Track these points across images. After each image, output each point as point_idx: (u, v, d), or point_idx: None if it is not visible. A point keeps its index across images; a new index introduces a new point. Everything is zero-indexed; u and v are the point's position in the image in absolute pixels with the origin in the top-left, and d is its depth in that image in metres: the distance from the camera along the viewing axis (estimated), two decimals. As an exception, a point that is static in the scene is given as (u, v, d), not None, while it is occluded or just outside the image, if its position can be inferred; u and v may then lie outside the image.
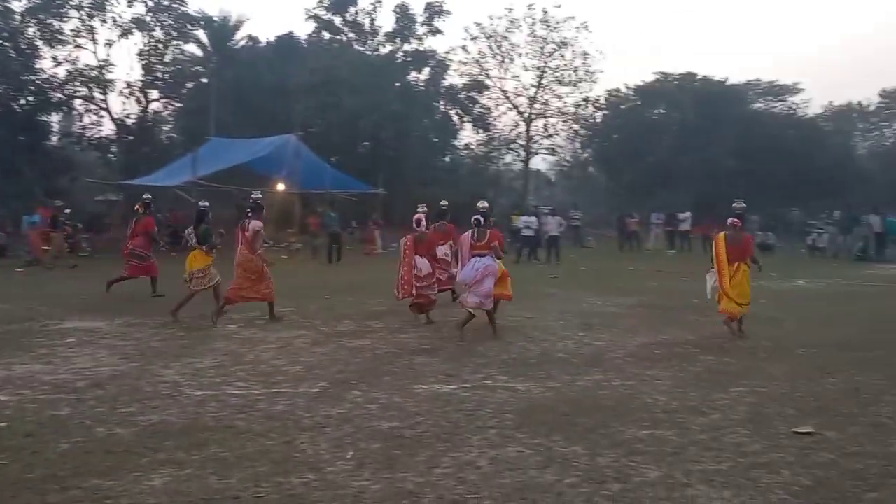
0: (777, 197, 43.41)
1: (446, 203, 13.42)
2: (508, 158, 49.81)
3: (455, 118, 44.72)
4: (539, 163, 52.44)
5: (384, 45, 43.15)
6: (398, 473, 4.60)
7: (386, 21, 44.95)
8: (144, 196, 14.39)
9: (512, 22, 44.72)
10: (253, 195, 11.52)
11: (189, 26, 38.44)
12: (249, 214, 10.80)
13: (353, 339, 9.32)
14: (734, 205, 10.45)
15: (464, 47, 45.01)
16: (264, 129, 31.27)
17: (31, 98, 35.54)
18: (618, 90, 47.68)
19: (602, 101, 47.06)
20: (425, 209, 12.05)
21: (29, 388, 6.75)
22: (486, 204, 10.27)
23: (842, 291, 14.98)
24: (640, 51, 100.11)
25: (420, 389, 6.71)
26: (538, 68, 45.11)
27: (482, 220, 9.61)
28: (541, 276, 18.28)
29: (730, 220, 9.94)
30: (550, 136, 47.12)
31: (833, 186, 43.09)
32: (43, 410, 6.02)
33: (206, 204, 11.71)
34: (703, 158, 41.50)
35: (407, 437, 5.31)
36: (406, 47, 42.79)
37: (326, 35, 42.96)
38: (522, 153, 47.53)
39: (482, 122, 45.17)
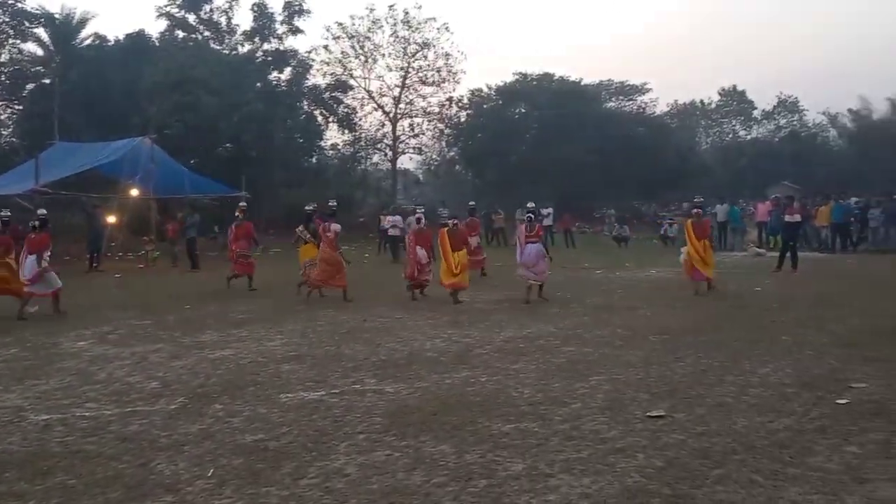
0: (630, 191, 45.92)
1: (446, 210, 18.11)
2: (376, 158, 49.83)
3: (320, 118, 44.12)
4: (407, 162, 52.81)
5: (242, 45, 41.91)
6: (262, 488, 4.47)
7: (243, 20, 43.70)
8: (241, 203, 17.36)
9: (374, 22, 44.80)
10: (331, 202, 14.43)
11: (27, 23, 35.79)
12: (326, 218, 13.88)
13: (216, 349, 8.99)
14: (695, 199, 14.80)
15: (326, 47, 44.63)
16: (115, 133, 29.61)
17: None
18: (480, 90, 48.78)
19: (465, 100, 48.00)
20: (423, 209, 15.51)
21: None
22: (533, 204, 14.46)
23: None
24: (500, 51, 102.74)
25: (286, 398, 6.55)
26: (402, 68, 45.45)
27: (532, 216, 13.43)
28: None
29: (694, 210, 14.15)
30: (416, 135, 47.59)
31: (680, 179, 46.11)
32: None
33: (312, 207, 15.64)
34: (562, 155, 43.14)
35: (271, 450, 5.17)
36: (266, 46, 41.75)
37: (181, 33, 41.18)
38: (389, 153, 47.65)
39: (348, 123, 44.85)
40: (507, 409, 6.02)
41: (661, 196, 47.43)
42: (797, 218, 17.90)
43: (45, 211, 13.12)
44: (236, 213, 16.58)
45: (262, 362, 8.17)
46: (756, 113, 64.41)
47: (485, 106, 48.23)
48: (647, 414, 5.73)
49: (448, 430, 5.49)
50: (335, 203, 14.53)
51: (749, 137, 63.69)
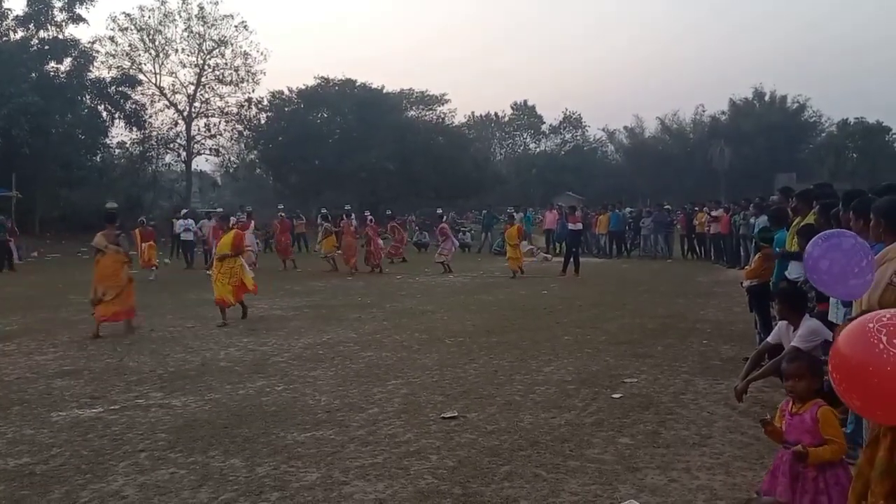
0: (430, 198, 47.14)
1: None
2: (168, 158, 47.04)
3: (105, 114, 40.90)
4: (203, 163, 50.40)
5: (15, 31, 37.85)
6: (26, 518, 4.04)
7: (16, 3, 39.45)
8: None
9: (166, 15, 42.40)
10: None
11: None
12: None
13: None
14: (509, 209, 19.87)
15: (112, 38, 41.54)
16: None
17: None
18: (281, 92, 47.74)
19: (266, 102, 46.76)
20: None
21: None
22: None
23: (484, 283, 16.72)
24: (302, 54, 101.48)
25: (58, 417, 5.99)
26: (197, 65, 43.36)
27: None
28: (205, 281, 17.55)
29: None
30: (213, 136, 45.57)
31: (475, 188, 48.13)
32: None
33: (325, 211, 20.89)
34: (364, 162, 43.35)
35: (38, 474, 4.69)
36: (42, 34, 38.00)
37: (-60, 15, 36.45)
38: (184, 153, 45.24)
39: (136, 120, 41.94)
40: (304, 417, 5.92)
41: (459, 203, 49.17)
42: (579, 226, 19.34)
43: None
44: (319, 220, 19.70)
45: (31, 378, 7.43)
46: (544, 127, 68.94)
47: (286, 109, 47.28)
48: (442, 415, 5.89)
49: (239, 442, 5.30)
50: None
51: (538, 150, 67.98)
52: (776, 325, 5.53)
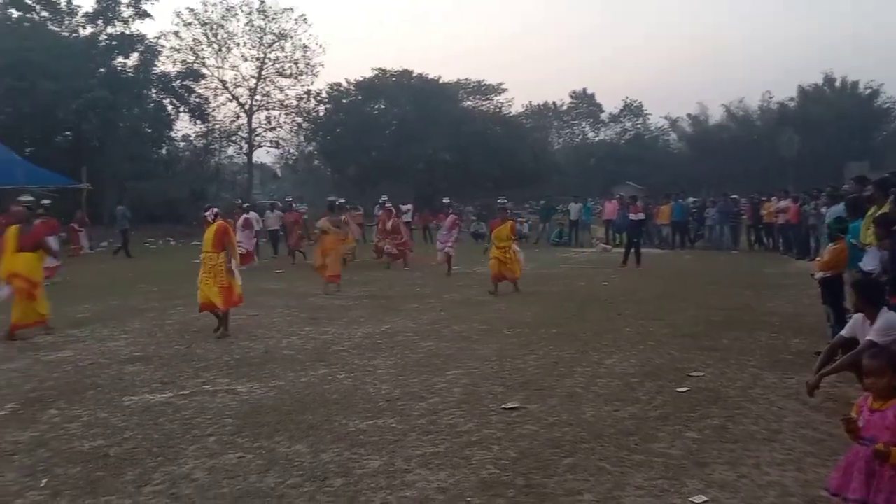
0: (486, 188, 46.98)
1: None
2: (231, 151, 48.07)
3: (170, 108, 41.98)
4: (263, 156, 51.34)
5: (84, 27, 39.09)
6: (101, 497, 4.18)
7: (85, 0, 40.72)
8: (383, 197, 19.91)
9: (228, 10, 43.18)
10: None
11: None
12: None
13: (52, 351, 8.36)
14: (499, 199, 16.40)
15: (176, 33, 42.52)
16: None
17: None
18: (339, 84, 48.17)
19: (324, 94, 47.28)
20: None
21: None
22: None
23: (542, 274, 16.56)
24: (360, 46, 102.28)
25: (130, 402, 6.18)
26: (258, 59, 44.07)
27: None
28: (266, 271, 17.87)
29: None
30: (274, 128, 46.31)
31: (532, 178, 47.73)
32: None
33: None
34: (421, 152, 43.47)
35: (112, 456, 4.85)
36: (110, 30, 39.14)
37: (14, 12, 37.83)
38: (245, 146, 46.13)
39: (200, 113, 42.93)
40: (365, 405, 5.97)
41: (516, 194, 48.93)
42: (641, 216, 18.99)
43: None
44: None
45: (104, 364, 7.68)
46: (604, 115, 67.83)
47: (344, 101, 47.71)
48: (502, 406, 5.87)
49: (304, 429, 5.38)
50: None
51: (597, 139, 67.00)
52: (850, 318, 5.34)
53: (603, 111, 67.82)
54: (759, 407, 5.82)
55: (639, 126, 65.78)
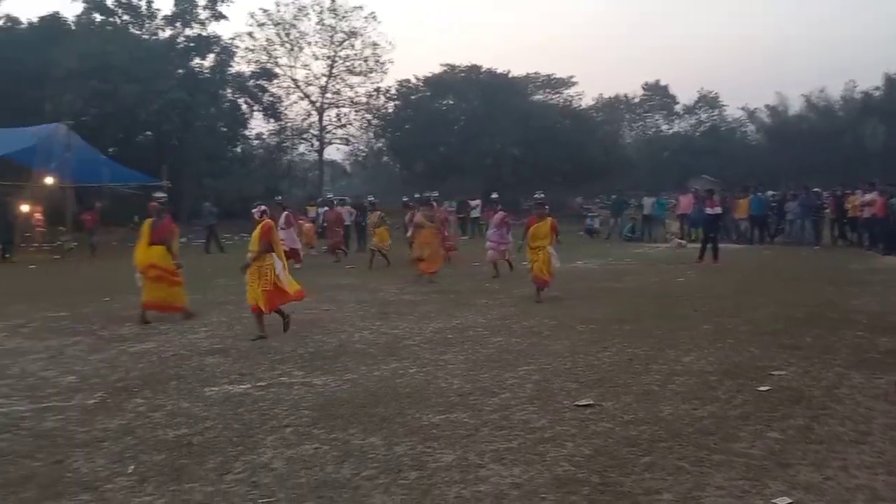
0: (556, 183, 46.55)
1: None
2: (302, 148, 49.08)
3: (244, 107, 43.13)
4: (334, 153, 52.19)
5: (163, 29, 40.53)
6: (185, 485, 4.31)
7: (164, 3, 42.19)
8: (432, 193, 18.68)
9: (300, 9, 44.09)
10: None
11: (-73, 0, 33.71)
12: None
13: (136, 342, 8.67)
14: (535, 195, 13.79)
15: (250, 34, 43.65)
16: (27, 119, 28.20)
17: None
18: (408, 81, 48.58)
19: (393, 91, 47.74)
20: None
21: None
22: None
23: (614, 269, 16.33)
24: (428, 42, 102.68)
25: (210, 392, 6.37)
26: (328, 57, 44.86)
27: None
28: (337, 266, 18.17)
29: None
30: (344, 125, 47.12)
31: (603, 172, 47.04)
32: None
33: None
34: (489, 147, 43.42)
35: (195, 445, 5.00)
36: (188, 32, 40.48)
37: (98, 16, 39.49)
38: (316, 143, 47.00)
39: (273, 111, 44.01)
40: (437, 399, 5.99)
41: (586, 188, 48.34)
42: (718, 210, 18.48)
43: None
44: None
45: (186, 355, 7.92)
46: (678, 107, 66.26)
47: (412, 97, 48.09)
48: (576, 403, 5.80)
49: (377, 422, 5.43)
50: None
51: (671, 132, 65.51)
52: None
53: (677, 103, 66.23)
54: (845, 407, 5.59)
55: (714, 118, 63.97)
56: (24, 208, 24.13)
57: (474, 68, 48.70)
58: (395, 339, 8.62)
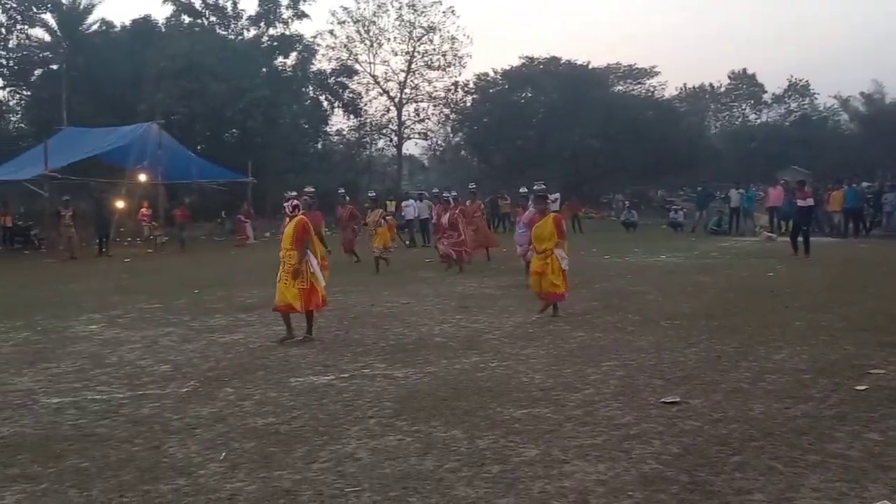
0: (638, 175, 45.64)
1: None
2: (381, 144, 49.69)
3: (325, 104, 43.97)
4: (412, 147, 52.63)
5: (248, 30, 41.77)
6: (274, 472, 4.43)
7: (249, 4, 43.43)
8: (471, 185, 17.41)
9: (379, 6, 44.54)
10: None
11: (34, 9, 35.73)
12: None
13: (225, 333, 8.97)
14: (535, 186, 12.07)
15: (331, 32, 44.42)
16: (122, 118, 29.60)
17: None
18: (486, 74, 48.48)
19: (471, 85, 47.74)
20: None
21: None
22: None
23: (699, 264, 15.87)
24: (506, 35, 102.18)
25: (296, 382, 6.52)
26: (407, 53, 45.22)
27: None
28: (416, 260, 18.32)
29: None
30: (422, 120, 47.46)
31: (686, 164, 45.77)
32: None
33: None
34: (568, 140, 42.91)
35: (283, 433, 5.13)
36: (271, 31, 41.60)
37: (186, 18, 41.00)
38: (395, 138, 47.49)
39: (353, 108, 44.73)
40: (519, 394, 5.96)
41: (669, 181, 47.18)
42: (810, 202, 17.71)
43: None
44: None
45: (271, 346, 8.14)
46: (766, 96, 63.81)
47: (491, 90, 47.95)
48: (662, 400, 5.66)
49: (459, 415, 5.44)
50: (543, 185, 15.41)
51: (759, 121, 63.16)
52: None
53: (765, 92, 63.75)
54: (953, 410, 5.27)
55: (805, 106, 61.33)
56: (120, 205, 25.30)
57: (553, 60, 48.19)
58: (475, 333, 8.62)
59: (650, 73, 51.80)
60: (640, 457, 4.51)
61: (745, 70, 64.66)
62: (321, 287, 8.45)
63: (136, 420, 5.55)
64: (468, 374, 6.71)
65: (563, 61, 48.08)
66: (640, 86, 51.84)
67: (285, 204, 8.85)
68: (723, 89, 66.12)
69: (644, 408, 5.50)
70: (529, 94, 48.62)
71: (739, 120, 65.12)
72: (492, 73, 48.54)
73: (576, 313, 9.75)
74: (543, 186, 10.88)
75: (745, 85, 64.64)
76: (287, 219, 8.73)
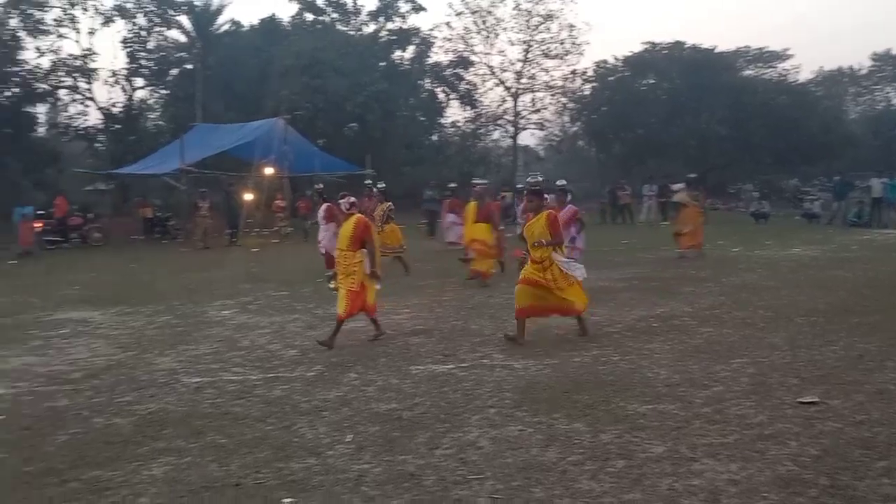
0: (768, 164, 43.38)
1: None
2: (496, 135, 49.63)
3: (441, 96, 44.37)
4: (528, 138, 52.25)
5: (367, 25, 42.72)
6: (398, 455, 4.52)
7: (368, 0, 44.35)
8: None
9: (497, -4, 44.34)
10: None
11: (171, 12, 37.99)
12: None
13: (347, 321, 9.20)
14: (528, 178, 11.31)
15: (448, 23, 44.64)
16: (250, 114, 30.98)
17: (15, 90, 35.16)
18: (605, 62, 47.40)
19: (590, 73, 46.81)
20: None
21: (24, 381, 6.71)
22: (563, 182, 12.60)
23: (837, 257, 14.92)
24: (627, 20, 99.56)
25: (416, 370, 6.63)
26: (524, 42, 44.79)
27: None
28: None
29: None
30: (538, 110, 46.92)
31: (822, 152, 43.07)
32: (39, 403, 5.97)
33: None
34: (693, 128, 41.37)
35: (405, 419, 5.23)
36: (389, 25, 42.37)
37: (309, 16, 42.42)
38: (510, 129, 47.29)
39: (469, 99, 44.88)
40: (643, 389, 5.80)
41: (802, 170, 44.61)
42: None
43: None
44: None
45: (391, 335, 8.29)
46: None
47: (610, 78, 46.83)
48: (798, 400, 5.36)
49: (581, 408, 5.36)
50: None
51: (904, 106, 58.56)
52: None
53: (913, 74, 58.98)
54: None
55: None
56: (248, 197, 26.49)
57: (677, 45, 46.50)
58: (594, 326, 8.43)
59: (782, 56, 49.13)
60: (775, 458, 4.29)
61: (889, 51, 60.08)
62: (373, 292, 8.02)
63: (268, 401, 5.81)
64: (589, 367, 6.60)
65: (687, 45, 46.32)
66: (771, 69, 49.22)
67: (341, 202, 8.33)
68: (864, 72, 61.64)
69: (778, 407, 5.23)
70: (652, 81, 47.15)
71: (882, 104, 60.49)
72: (612, 60, 47.46)
73: (702, 308, 9.39)
74: (539, 179, 8.70)
75: (889, 67, 59.96)
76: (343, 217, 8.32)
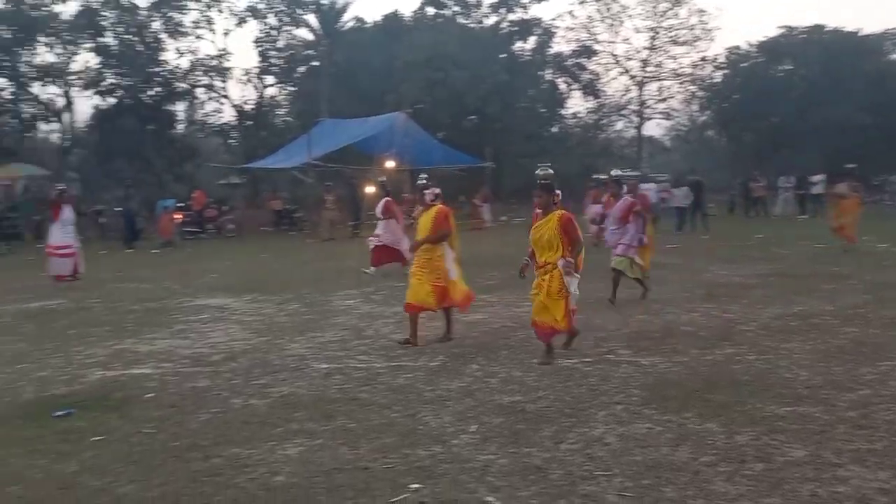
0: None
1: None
2: (619, 125, 48.40)
3: (562, 87, 43.72)
4: (653, 128, 50.63)
5: (488, 17, 42.69)
6: (523, 448, 4.50)
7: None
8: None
9: (623, -18, 43.22)
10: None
11: (299, 11, 39.43)
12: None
13: (468, 313, 9.25)
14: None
15: (571, 12, 43.89)
16: (373, 109, 31.67)
17: (158, 89, 37.59)
18: (738, 47, 45.18)
19: (721, 59, 44.78)
20: None
21: (170, 362, 7.15)
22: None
23: None
24: (763, 3, 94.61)
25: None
26: (651, 29, 43.43)
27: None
28: (658, 245, 17.62)
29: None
30: (665, 99, 45.41)
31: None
32: (183, 383, 6.35)
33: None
34: (832, 116, 38.79)
35: (529, 412, 5.20)
36: (510, 17, 42.16)
37: (431, 10, 42.87)
38: (635, 119, 46.02)
39: (591, 89, 44.01)
40: (781, 390, 5.50)
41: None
42: None
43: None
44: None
45: (513, 327, 8.29)
46: None
47: (743, 64, 44.59)
48: (957, 407, 4.94)
49: (714, 408, 5.14)
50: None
51: None
52: None
53: None
54: None
55: None
56: (370, 190, 27.16)
57: (816, 28, 43.70)
58: (727, 324, 8.10)
59: (936, 36, 45.18)
60: (932, 470, 3.96)
61: None
62: (461, 283, 7.72)
63: (393, 388, 5.93)
64: (722, 366, 6.32)
65: (827, 29, 43.46)
66: (923, 51, 45.38)
67: (425, 192, 7.96)
68: None
69: (935, 415, 4.83)
70: (788, 67, 44.54)
71: None
72: (745, 46, 45.20)
73: (845, 306, 8.81)
74: (550, 172, 7.03)
75: None
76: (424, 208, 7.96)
